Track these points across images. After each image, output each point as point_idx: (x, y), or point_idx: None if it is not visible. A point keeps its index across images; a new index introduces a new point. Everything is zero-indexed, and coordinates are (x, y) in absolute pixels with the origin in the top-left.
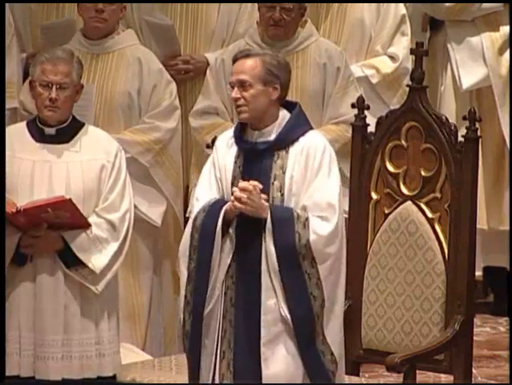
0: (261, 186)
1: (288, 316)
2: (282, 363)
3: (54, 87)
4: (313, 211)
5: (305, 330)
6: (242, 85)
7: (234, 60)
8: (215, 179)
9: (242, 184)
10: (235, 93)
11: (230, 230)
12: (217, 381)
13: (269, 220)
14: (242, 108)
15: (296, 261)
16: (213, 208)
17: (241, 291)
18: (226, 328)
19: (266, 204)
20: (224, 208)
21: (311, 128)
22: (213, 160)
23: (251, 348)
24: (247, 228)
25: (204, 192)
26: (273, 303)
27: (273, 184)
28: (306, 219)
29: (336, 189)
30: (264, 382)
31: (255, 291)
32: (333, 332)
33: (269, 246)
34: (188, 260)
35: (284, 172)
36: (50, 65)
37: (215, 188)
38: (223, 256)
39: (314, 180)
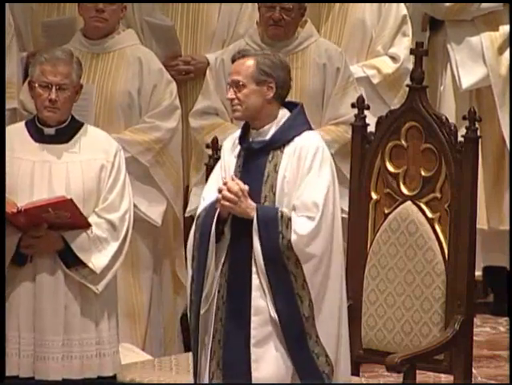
0: (246, 188)
1: (276, 317)
2: (272, 365)
3: (53, 87)
4: (301, 211)
5: (293, 330)
6: (236, 85)
7: (233, 61)
8: (221, 179)
9: (230, 183)
10: (230, 93)
11: (225, 229)
12: (206, 380)
13: (255, 220)
14: (236, 108)
15: (281, 262)
16: (211, 207)
17: (232, 291)
18: (217, 327)
19: (254, 204)
20: (218, 208)
21: (310, 129)
22: (220, 159)
23: (240, 347)
24: (239, 228)
25: (210, 192)
26: (262, 304)
27: (265, 183)
28: (289, 219)
29: (324, 189)
30: (254, 381)
31: (245, 291)
32: (328, 333)
33: (256, 246)
34: (191, 259)
35: (277, 172)
36: (50, 66)
37: None
38: (218, 255)
39: (304, 180)
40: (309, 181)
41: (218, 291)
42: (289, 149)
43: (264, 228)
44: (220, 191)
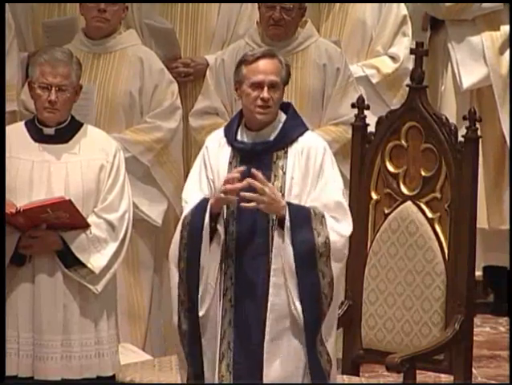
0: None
1: (300, 314)
2: (283, 361)
3: (53, 89)
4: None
5: (313, 328)
6: (273, 86)
7: (257, 57)
8: (206, 180)
9: (260, 177)
10: (267, 93)
11: (218, 226)
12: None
13: (287, 218)
14: (270, 109)
15: (313, 259)
16: (200, 206)
17: (243, 291)
18: (225, 329)
19: (284, 202)
20: (209, 203)
21: (307, 129)
22: (203, 160)
23: (252, 349)
24: (251, 228)
25: (193, 194)
26: (279, 301)
27: (273, 184)
28: (323, 216)
29: (341, 190)
30: (265, 379)
31: (259, 290)
32: (330, 332)
33: (286, 244)
34: (178, 260)
35: (285, 173)
36: (49, 67)
37: (206, 190)
38: (215, 255)
39: (319, 181)
40: (326, 182)
41: (224, 294)
42: (293, 149)
43: (297, 226)
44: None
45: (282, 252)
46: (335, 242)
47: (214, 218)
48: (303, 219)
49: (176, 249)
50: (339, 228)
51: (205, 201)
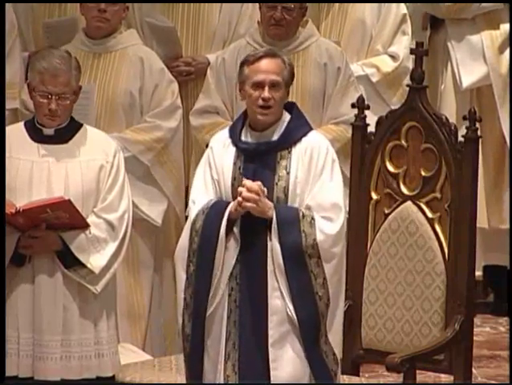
0: (264, 188)
1: (294, 316)
2: (290, 364)
3: (53, 97)
4: (317, 211)
5: (311, 330)
6: (274, 86)
7: (259, 57)
8: (211, 180)
9: (249, 183)
10: (268, 93)
11: (235, 230)
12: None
13: (274, 219)
14: (271, 110)
15: (302, 261)
16: (214, 210)
17: (247, 292)
18: (231, 329)
19: (271, 203)
20: (228, 209)
21: (311, 128)
22: (208, 160)
23: (257, 349)
24: (251, 229)
25: (200, 195)
26: (279, 304)
27: (277, 184)
28: (312, 218)
29: (340, 189)
30: (273, 381)
31: (261, 292)
32: (335, 332)
33: (275, 246)
34: (186, 263)
35: (288, 173)
36: (49, 76)
37: (211, 190)
38: (228, 257)
39: (318, 180)
40: (323, 182)
41: (229, 295)
42: (297, 149)
43: (284, 228)
44: (240, 193)
45: (273, 254)
46: (321, 242)
47: (231, 223)
48: (291, 220)
49: (184, 251)
50: (325, 228)
51: (217, 205)
